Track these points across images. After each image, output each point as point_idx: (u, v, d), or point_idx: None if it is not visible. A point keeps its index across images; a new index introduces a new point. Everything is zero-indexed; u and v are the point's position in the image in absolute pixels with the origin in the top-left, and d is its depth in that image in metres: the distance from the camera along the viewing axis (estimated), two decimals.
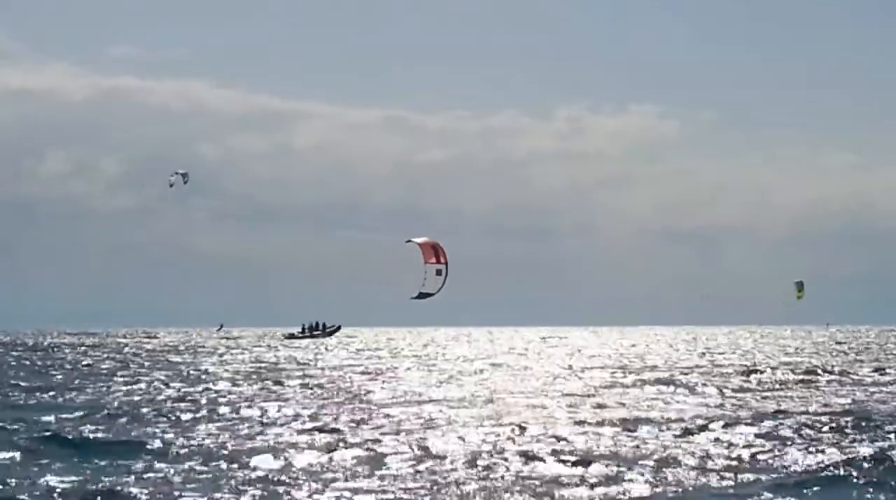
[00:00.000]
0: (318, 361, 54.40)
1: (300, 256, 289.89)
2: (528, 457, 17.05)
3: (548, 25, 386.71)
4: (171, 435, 20.03)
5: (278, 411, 24.53)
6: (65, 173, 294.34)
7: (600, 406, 26.16)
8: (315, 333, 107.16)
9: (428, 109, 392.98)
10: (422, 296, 42.39)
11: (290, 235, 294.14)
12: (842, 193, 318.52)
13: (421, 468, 16.41)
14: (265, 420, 22.72)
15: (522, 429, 20.40)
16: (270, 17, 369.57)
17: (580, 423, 21.94)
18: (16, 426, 21.10)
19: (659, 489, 14.70)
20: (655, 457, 17.32)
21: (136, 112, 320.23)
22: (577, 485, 14.92)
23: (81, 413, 23.95)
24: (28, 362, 51.70)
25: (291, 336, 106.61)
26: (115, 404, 26.83)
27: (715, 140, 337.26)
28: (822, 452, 17.59)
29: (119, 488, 14.62)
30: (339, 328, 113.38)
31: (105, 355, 61.00)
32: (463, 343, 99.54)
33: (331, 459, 17.13)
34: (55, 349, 73.40)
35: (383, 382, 36.27)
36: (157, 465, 16.66)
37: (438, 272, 42.58)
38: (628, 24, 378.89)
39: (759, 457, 17.38)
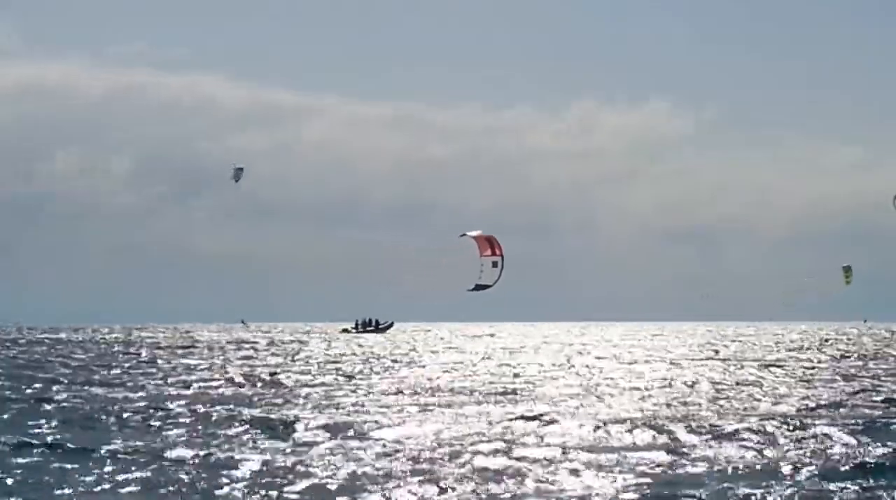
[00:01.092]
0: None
1: (302, 253, 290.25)
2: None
3: (550, 23, 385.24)
4: None
5: None
6: (68, 171, 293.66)
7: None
8: (368, 329, 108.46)
9: (432, 105, 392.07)
10: (478, 288, 42.91)
11: (292, 233, 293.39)
12: (844, 192, 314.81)
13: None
14: None
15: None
16: (274, 14, 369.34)
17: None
18: None
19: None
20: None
21: (139, 109, 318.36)
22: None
23: None
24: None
25: (345, 331, 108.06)
26: None
27: (717, 138, 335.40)
28: None
29: None
30: (392, 325, 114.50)
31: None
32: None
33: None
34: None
35: None
36: None
37: (494, 264, 43.11)
38: (628, 23, 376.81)
39: None
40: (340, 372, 37.44)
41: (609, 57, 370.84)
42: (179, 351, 59.18)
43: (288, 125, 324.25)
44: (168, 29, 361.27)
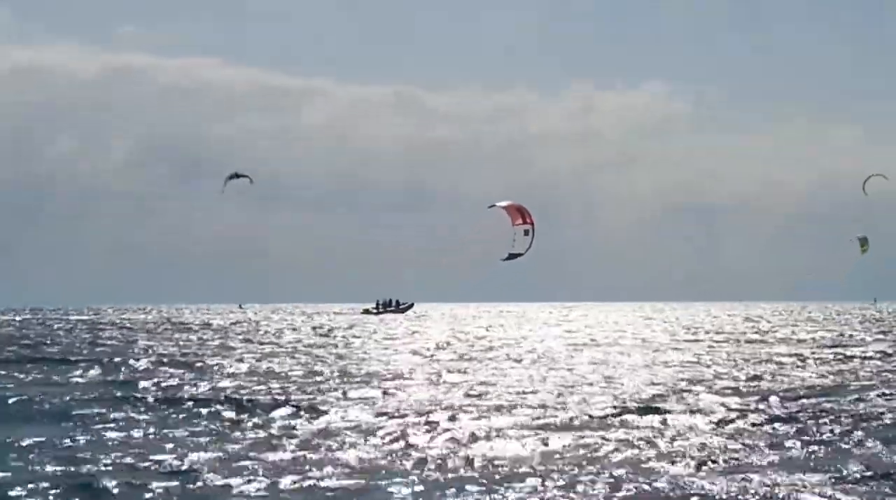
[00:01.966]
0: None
1: (304, 237, 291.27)
2: None
3: (548, 5, 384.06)
4: None
5: None
6: (66, 157, 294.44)
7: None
8: (389, 309, 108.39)
9: (435, 87, 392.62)
10: (511, 257, 42.57)
11: (296, 216, 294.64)
12: (845, 172, 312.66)
13: None
14: None
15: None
16: None
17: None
18: None
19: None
20: None
21: (137, 94, 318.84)
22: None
23: None
24: None
25: (367, 312, 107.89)
26: None
27: (716, 121, 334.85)
28: None
29: None
30: (412, 305, 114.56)
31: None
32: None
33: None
34: None
35: None
36: None
37: (526, 232, 42.79)
38: (626, 5, 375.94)
39: None
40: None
41: (612, 36, 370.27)
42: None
43: (287, 109, 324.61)
44: (164, 12, 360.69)
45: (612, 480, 12.22)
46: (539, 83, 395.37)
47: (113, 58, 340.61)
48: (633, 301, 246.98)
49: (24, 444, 14.92)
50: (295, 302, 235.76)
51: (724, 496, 11.40)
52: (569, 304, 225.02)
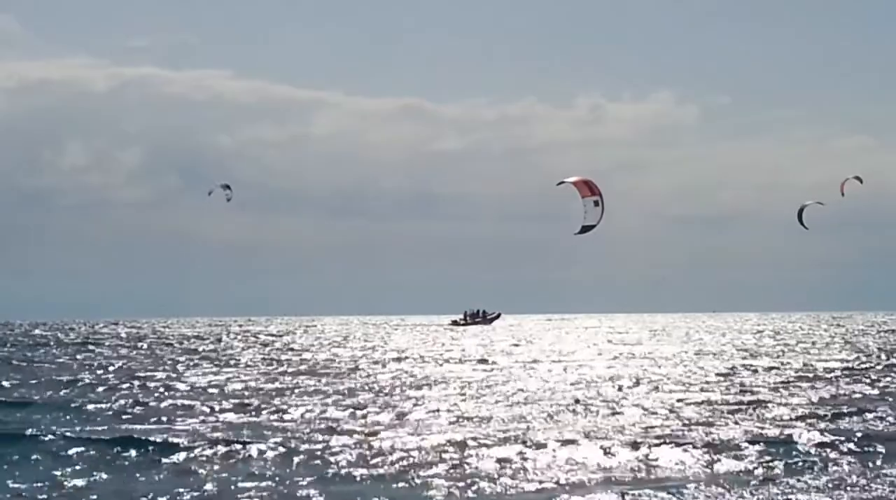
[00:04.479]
0: None
1: (313, 245, 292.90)
2: None
3: (563, 11, 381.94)
4: None
5: None
6: (76, 165, 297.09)
7: None
8: (476, 320, 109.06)
9: (442, 96, 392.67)
10: (584, 230, 43.32)
11: (303, 225, 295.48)
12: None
13: None
14: None
15: None
16: (278, 10, 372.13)
17: None
18: None
19: None
20: None
21: (147, 104, 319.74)
22: None
23: None
24: None
25: (455, 323, 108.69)
26: None
27: (729, 125, 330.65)
28: None
29: None
30: (499, 316, 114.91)
31: None
32: None
33: None
34: None
35: None
36: None
37: (596, 203, 43.52)
38: (638, 9, 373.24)
39: None
40: None
41: (621, 44, 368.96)
42: None
43: (296, 120, 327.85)
44: (174, 24, 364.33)
45: None
46: (546, 92, 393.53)
47: (122, 69, 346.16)
48: (639, 312, 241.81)
49: None
50: (299, 314, 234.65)
51: None
52: (578, 315, 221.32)
